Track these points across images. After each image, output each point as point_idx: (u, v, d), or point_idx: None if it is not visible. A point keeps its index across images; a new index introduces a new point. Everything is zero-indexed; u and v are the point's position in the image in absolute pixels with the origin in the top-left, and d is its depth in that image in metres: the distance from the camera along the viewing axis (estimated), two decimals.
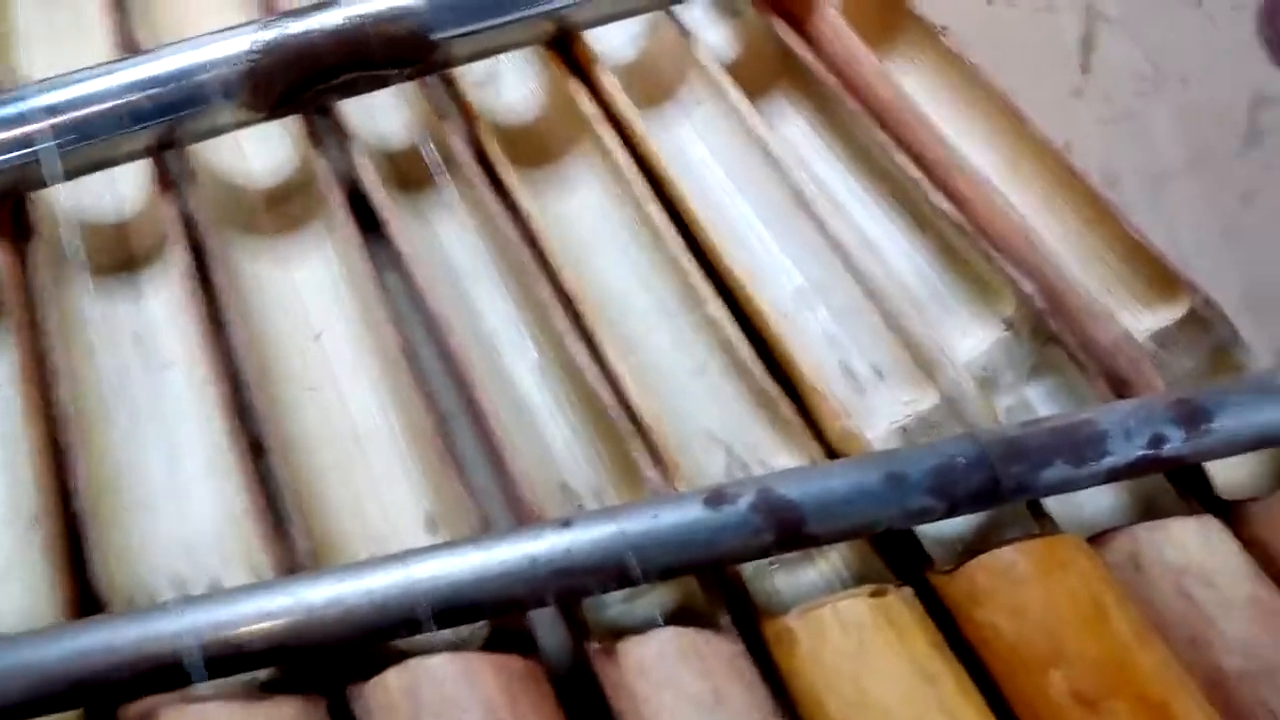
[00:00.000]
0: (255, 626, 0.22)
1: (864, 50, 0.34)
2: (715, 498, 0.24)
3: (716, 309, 0.30)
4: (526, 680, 0.23)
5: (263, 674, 0.24)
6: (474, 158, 0.33)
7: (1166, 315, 0.30)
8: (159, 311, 0.32)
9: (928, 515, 0.24)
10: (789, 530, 0.24)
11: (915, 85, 0.35)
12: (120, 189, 0.34)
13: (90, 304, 0.31)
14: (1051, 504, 0.27)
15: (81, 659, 0.22)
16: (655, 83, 0.36)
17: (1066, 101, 0.38)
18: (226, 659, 0.22)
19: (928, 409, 0.29)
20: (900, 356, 0.30)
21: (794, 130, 0.36)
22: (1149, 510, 0.27)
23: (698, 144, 0.35)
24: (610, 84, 0.34)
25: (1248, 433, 0.25)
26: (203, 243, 0.31)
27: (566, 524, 0.24)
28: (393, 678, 0.22)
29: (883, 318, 0.30)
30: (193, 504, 0.28)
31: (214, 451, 0.28)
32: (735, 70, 0.36)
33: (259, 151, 0.35)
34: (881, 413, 0.29)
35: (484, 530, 0.26)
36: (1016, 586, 0.24)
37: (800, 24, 0.36)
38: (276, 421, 0.28)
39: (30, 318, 0.30)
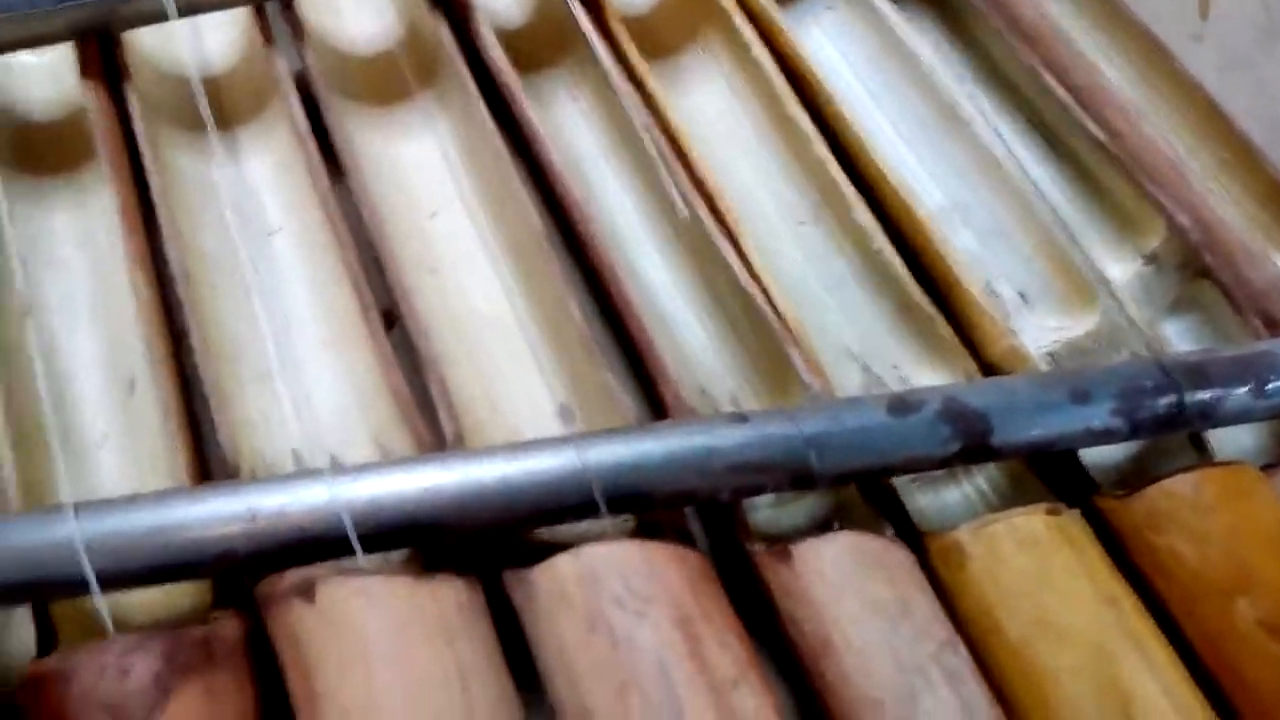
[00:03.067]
0: (414, 501, 0.21)
1: None
2: (898, 404, 0.23)
3: (865, 216, 0.29)
4: (704, 574, 0.22)
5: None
6: (601, 39, 0.31)
7: None
8: (260, 174, 0.29)
9: (1112, 436, 0.23)
10: (975, 441, 0.23)
11: (1056, 10, 0.34)
12: (211, 44, 0.31)
13: (188, 160, 0.28)
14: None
15: (227, 523, 0.20)
16: None
17: (1186, 46, 0.37)
18: (386, 533, 0.21)
19: (1079, 335, 0.28)
20: (1048, 281, 0.29)
21: (923, 44, 0.34)
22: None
23: (829, 48, 0.33)
24: None
25: None
26: (314, 102, 0.29)
27: (743, 418, 0.22)
28: (566, 563, 0.21)
29: (1030, 239, 0.29)
30: (311, 379, 0.26)
31: (334, 323, 0.26)
32: None
33: (365, 12, 0.32)
34: (1029, 338, 0.28)
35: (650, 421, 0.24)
36: (1201, 513, 0.23)
37: None
38: (402, 297, 0.26)
39: (127, 166, 0.27)
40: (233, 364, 0.26)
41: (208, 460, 0.24)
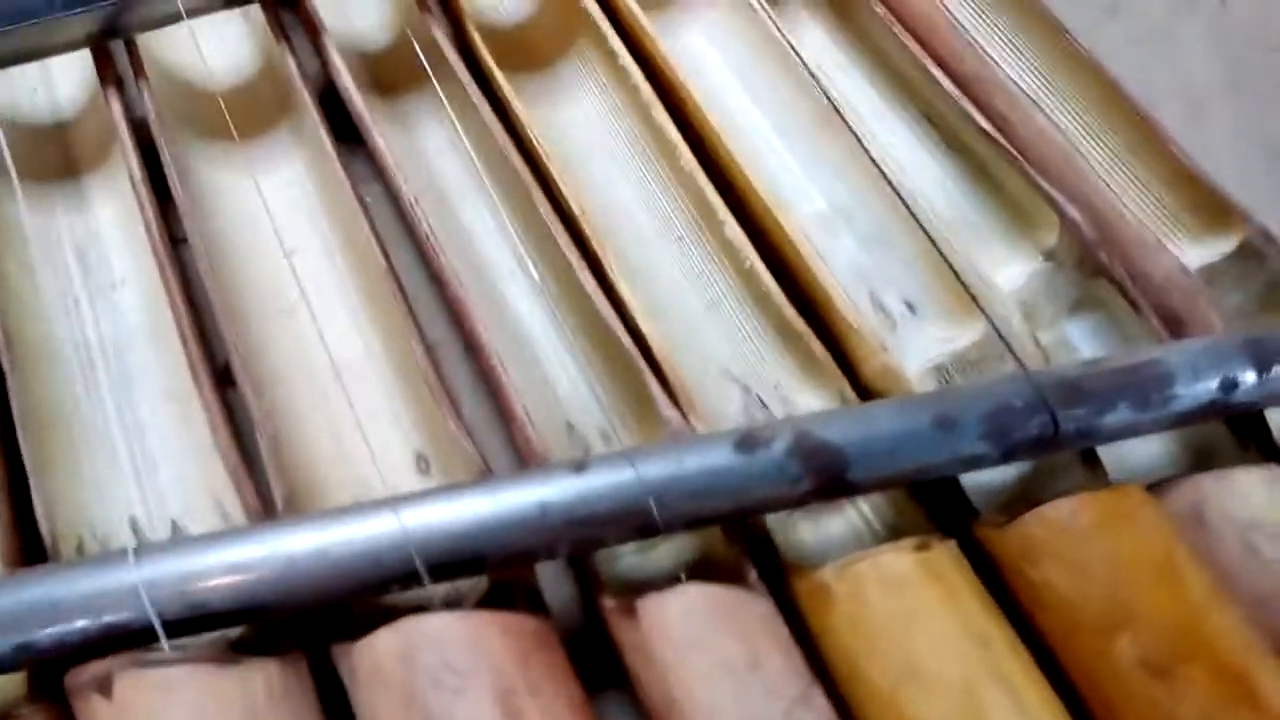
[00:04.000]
0: (226, 579, 0.20)
1: None
2: (747, 441, 0.21)
3: (735, 232, 0.27)
4: (539, 642, 0.20)
5: (234, 631, 0.21)
6: (460, 58, 0.29)
7: (1217, 248, 0.28)
8: (107, 223, 0.28)
9: (981, 462, 0.22)
10: (830, 477, 0.21)
11: None
12: (58, 88, 0.30)
13: (28, 214, 0.27)
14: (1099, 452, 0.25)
15: (25, 614, 0.19)
16: None
17: (1100, 20, 0.35)
18: (193, 618, 0.19)
19: (966, 346, 0.26)
20: (935, 289, 0.27)
21: (811, 39, 0.33)
22: (1203, 460, 0.25)
23: (709, 50, 0.32)
24: None
25: None
26: (156, 147, 0.27)
27: (580, 467, 0.21)
28: (384, 639, 0.20)
29: (915, 246, 0.28)
30: (151, 440, 0.25)
31: (173, 381, 0.25)
32: None
33: (217, 47, 0.31)
34: (915, 350, 0.27)
35: (482, 473, 0.23)
36: (1078, 541, 0.21)
37: None
38: (245, 348, 0.25)
39: None
40: (67, 429, 0.24)
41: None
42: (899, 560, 0.22)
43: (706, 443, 0.21)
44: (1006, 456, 0.22)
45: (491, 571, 0.21)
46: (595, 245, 0.27)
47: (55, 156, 0.29)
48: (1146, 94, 0.33)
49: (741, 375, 0.27)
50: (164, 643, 0.19)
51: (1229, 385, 0.23)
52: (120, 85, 0.28)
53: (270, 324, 0.26)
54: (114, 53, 0.29)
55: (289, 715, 0.19)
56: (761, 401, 0.27)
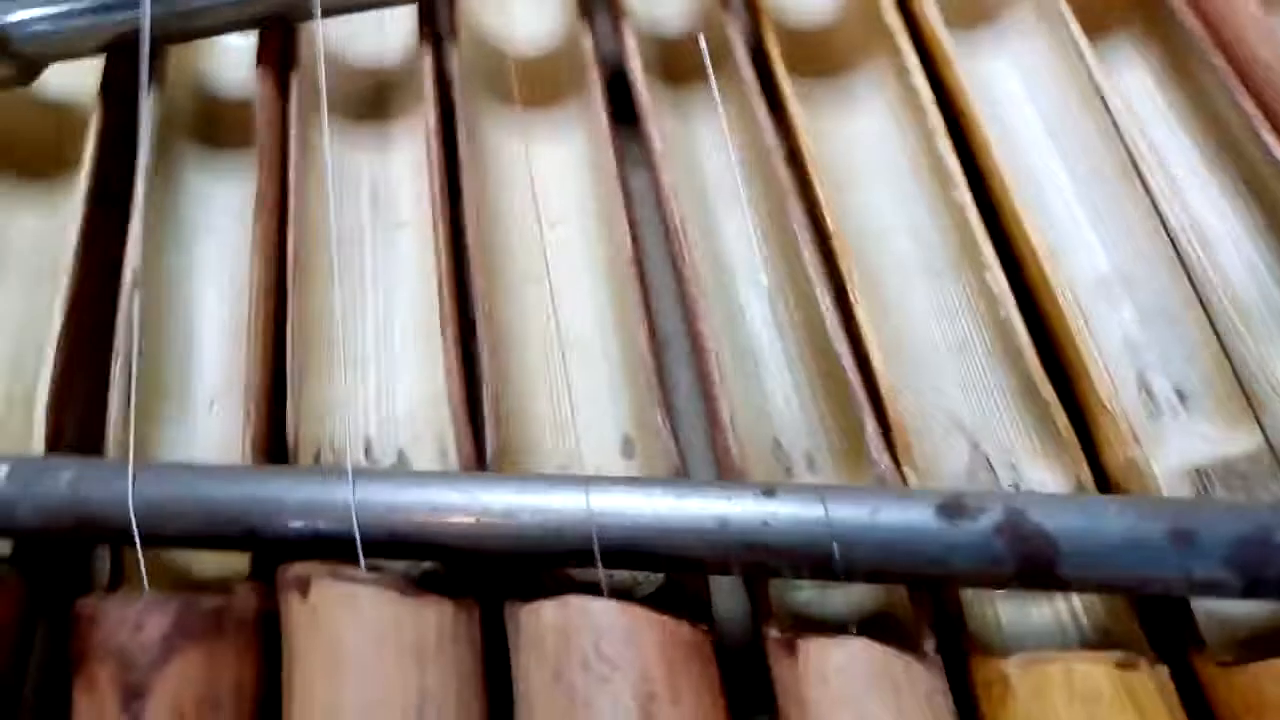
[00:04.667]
0: (424, 517, 0.21)
1: None
2: (953, 507, 0.20)
3: (997, 278, 0.25)
4: (692, 651, 0.20)
5: (424, 565, 0.23)
6: (749, 56, 0.29)
7: None
8: (402, 168, 0.30)
9: (1217, 590, 0.19)
10: (1037, 567, 0.20)
11: None
12: (388, 38, 0.33)
13: (335, 148, 0.30)
14: None
15: (256, 505, 0.21)
16: (977, 2, 0.30)
17: None
18: (389, 543, 0.21)
19: (1239, 454, 0.23)
20: (1215, 382, 0.24)
21: (1134, 82, 0.30)
22: None
23: (1013, 78, 0.30)
24: None
25: None
26: (453, 104, 0.29)
27: (770, 492, 0.21)
28: (549, 611, 0.20)
29: (1202, 329, 0.25)
30: (397, 372, 0.27)
31: (427, 323, 0.27)
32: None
33: (526, 16, 0.32)
34: (1175, 446, 0.24)
35: (678, 471, 0.23)
36: None
37: None
38: (492, 306, 0.26)
39: (280, 151, 0.29)
40: (329, 347, 0.27)
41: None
42: (1095, 671, 0.20)
43: (909, 499, 0.20)
44: (1250, 591, 0.19)
45: (662, 570, 0.21)
46: (843, 266, 0.26)
47: (369, 100, 0.31)
48: None
49: (974, 430, 0.26)
50: (361, 561, 0.21)
51: None
52: (437, 42, 0.30)
53: (518, 288, 0.28)
54: (437, 10, 0.31)
55: (454, 657, 0.21)
56: (989, 463, 0.25)
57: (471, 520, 0.21)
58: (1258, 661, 0.19)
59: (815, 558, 0.20)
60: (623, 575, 0.22)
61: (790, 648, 0.20)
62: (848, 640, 0.20)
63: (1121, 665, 0.20)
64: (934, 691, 0.20)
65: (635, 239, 0.27)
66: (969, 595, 0.23)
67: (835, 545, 0.20)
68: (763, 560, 0.20)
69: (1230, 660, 0.20)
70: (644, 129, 0.28)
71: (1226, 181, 0.28)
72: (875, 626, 0.22)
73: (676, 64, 0.31)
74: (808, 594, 0.23)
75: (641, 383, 0.25)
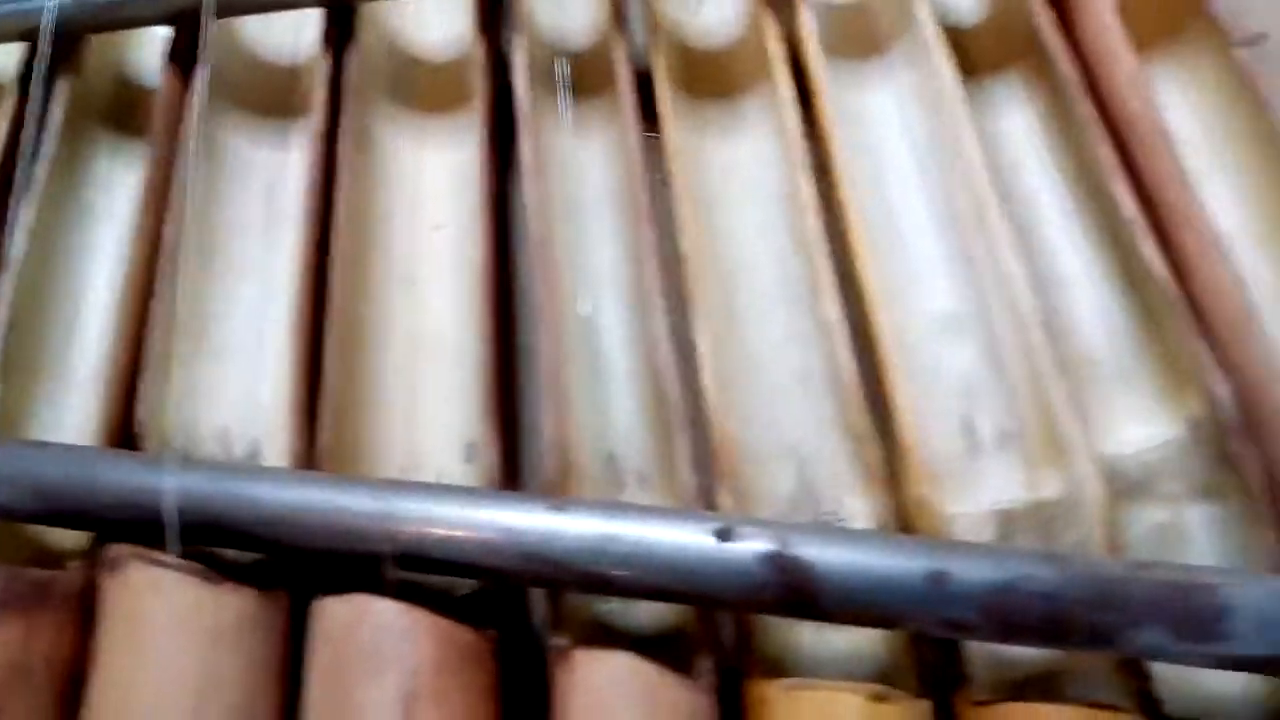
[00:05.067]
0: (240, 509, 0.22)
1: (1124, 45, 0.27)
2: (725, 533, 0.21)
3: (833, 312, 0.26)
4: (468, 655, 0.21)
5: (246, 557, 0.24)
6: (642, 75, 0.30)
7: None
8: (298, 166, 0.31)
9: (969, 632, 0.20)
10: (796, 597, 0.20)
11: (1183, 104, 0.28)
12: (303, 37, 0.34)
13: (236, 145, 0.31)
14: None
15: (79, 485, 0.22)
16: (867, 33, 0.31)
17: None
18: (204, 530, 0.22)
19: (1044, 498, 0.24)
20: (1037, 427, 0.25)
21: (1018, 124, 0.30)
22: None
23: (893, 114, 0.30)
24: (807, 23, 0.29)
25: None
26: (355, 107, 0.30)
27: (560, 508, 0.21)
28: (337, 607, 0.21)
29: (1032, 375, 0.25)
30: (264, 365, 0.28)
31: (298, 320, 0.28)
32: (971, 37, 0.30)
33: (436, 22, 0.33)
34: (989, 487, 0.24)
35: (495, 481, 0.24)
36: None
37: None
38: (358, 307, 0.27)
39: (172, 141, 0.30)
40: (198, 338, 0.28)
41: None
42: (847, 702, 0.20)
43: (688, 520, 0.21)
44: (1003, 637, 0.20)
45: (445, 575, 0.22)
46: (690, 289, 0.26)
47: (276, 97, 0.32)
48: None
49: (804, 458, 0.26)
50: (173, 546, 0.22)
51: None
52: (340, 45, 0.31)
53: (389, 289, 0.29)
54: (343, 14, 0.32)
55: (251, 643, 0.22)
56: (815, 495, 0.26)
57: (277, 514, 0.22)
58: (1008, 703, 0.20)
59: (594, 575, 0.21)
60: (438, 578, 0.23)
61: (566, 658, 0.21)
62: (618, 655, 0.21)
63: (874, 698, 0.20)
64: (696, 713, 0.21)
65: (502, 248, 0.28)
66: (771, 622, 0.24)
67: (613, 564, 0.21)
68: (544, 573, 0.21)
69: (988, 699, 0.20)
70: (518, 142, 0.29)
71: (1091, 227, 0.28)
72: (669, 643, 0.23)
73: (576, 80, 0.32)
74: (612, 604, 0.24)
75: (486, 391, 0.26)
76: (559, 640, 0.22)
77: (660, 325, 0.25)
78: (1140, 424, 0.25)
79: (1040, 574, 0.20)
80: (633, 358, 0.27)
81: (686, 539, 0.21)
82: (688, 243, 0.27)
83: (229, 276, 0.29)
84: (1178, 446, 0.25)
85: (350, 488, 0.22)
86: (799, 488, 0.26)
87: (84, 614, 0.23)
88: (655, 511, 0.21)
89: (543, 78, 0.31)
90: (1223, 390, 0.23)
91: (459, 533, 0.21)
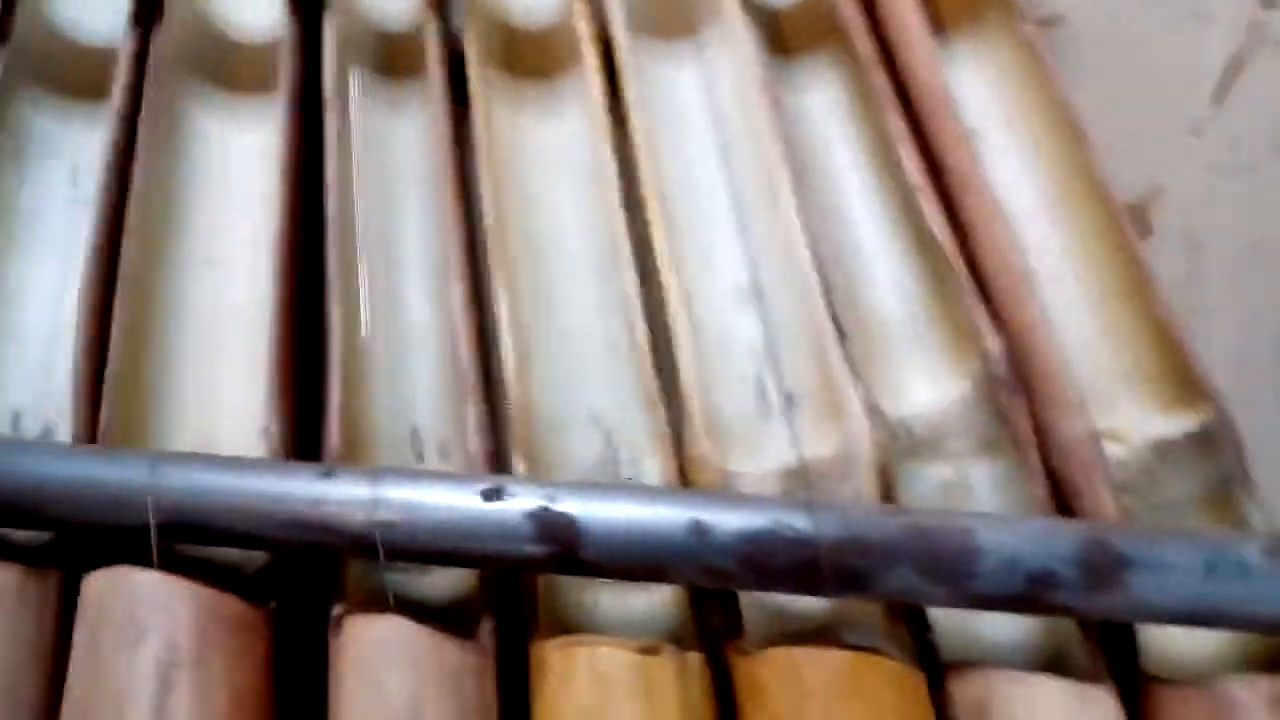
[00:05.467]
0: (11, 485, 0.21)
1: (918, 21, 0.28)
2: (494, 492, 0.21)
3: (630, 283, 0.26)
4: (235, 625, 0.21)
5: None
6: (460, 54, 0.30)
7: (1177, 424, 0.24)
8: (98, 147, 0.31)
9: (730, 581, 0.20)
10: (561, 549, 0.20)
11: (977, 78, 0.29)
12: (119, 18, 0.33)
13: (48, 126, 0.30)
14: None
15: None
16: (679, 13, 0.31)
17: (1180, 138, 0.31)
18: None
19: (820, 456, 0.24)
20: (821, 387, 0.25)
21: (823, 101, 0.31)
22: (1051, 658, 0.22)
23: (700, 93, 0.31)
24: (615, 3, 0.30)
25: (1170, 605, 0.20)
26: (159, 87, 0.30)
27: (328, 474, 0.21)
28: (95, 580, 0.21)
29: (814, 340, 0.25)
30: (57, 348, 0.27)
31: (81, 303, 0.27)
32: (781, 17, 0.31)
33: (248, 4, 0.33)
34: (775, 448, 0.25)
35: (307, 455, 0.24)
36: (799, 697, 0.19)
37: None
38: (153, 287, 0.27)
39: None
40: None
41: None
42: (615, 656, 0.20)
43: (458, 481, 0.21)
44: (763, 584, 0.20)
45: (213, 544, 0.21)
46: (492, 262, 0.26)
47: (89, 79, 0.31)
48: (1203, 231, 0.29)
49: (609, 424, 0.26)
50: None
51: (1045, 580, 0.20)
52: (147, 25, 0.31)
53: (195, 269, 0.28)
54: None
55: (14, 620, 0.21)
56: (618, 458, 0.26)
57: (49, 490, 0.21)
58: (771, 649, 0.20)
59: (360, 540, 0.21)
60: (233, 553, 0.23)
61: (338, 625, 0.21)
62: (386, 619, 0.21)
63: (643, 650, 0.20)
64: (464, 670, 0.21)
65: (317, 228, 0.27)
66: (568, 582, 0.24)
67: (378, 528, 0.20)
68: (313, 539, 0.21)
69: (750, 649, 0.21)
70: (327, 121, 0.29)
71: (887, 197, 0.29)
72: (457, 610, 0.23)
73: (394, 60, 0.32)
74: (400, 574, 0.24)
75: (280, 372, 0.26)
76: (336, 609, 0.22)
77: (457, 296, 0.25)
78: (930, 384, 0.26)
79: (794, 521, 0.20)
80: (437, 331, 0.27)
81: (454, 500, 0.21)
82: (492, 216, 0.27)
83: (30, 257, 0.28)
84: (962, 405, 0.25)
85: (116, 460, 0.21)
86: (604, 453, 0.26)
87: None
88: (425, 475, 0.21)
89: (359, 58, 0.31)
90: (995, 346, 0.24)
91: (225, 501, 0.21)
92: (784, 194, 0.27)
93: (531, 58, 0.31)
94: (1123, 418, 0.24)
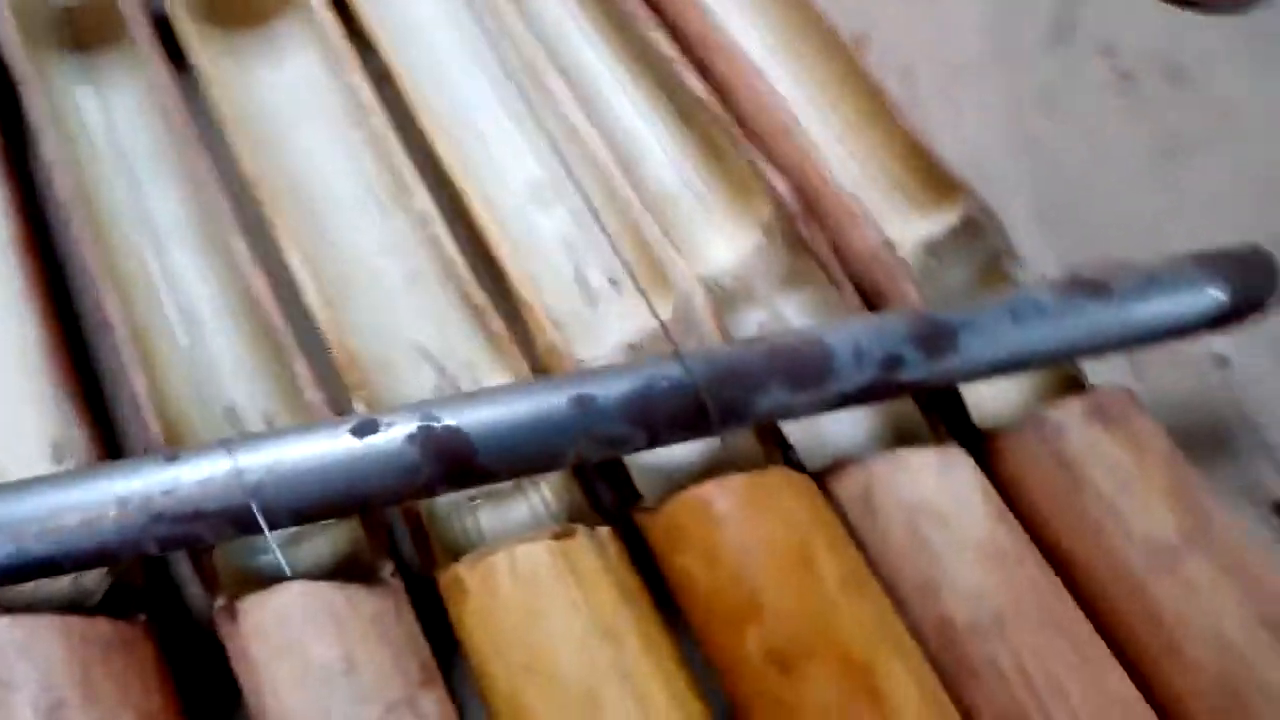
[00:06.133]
0: None
1: None
2: (364, 427, 0.20)
3: (425, 202, 0.25)
4: (114, 645, 0.19)
5: None
6: (149, 22, 0.27)
7: (940, 221, 0.27)
8: None
9: (625, 444, 0.21)
10: (455, 464, 0.20)
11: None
12: None
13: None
14: (796, 431, 0.24)
15: None
16: None
17: None
18: None
19: (663, 322, 0.25)
20: (640, 263, 0.26)
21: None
22: (900, 439, 0.24)
23: (435, 11, 0.30)
24: None
25: (999, 354, 0.22)
26: None
27: (173, 458, 0.19)
28: None
29: (624, 222, 0.26)
30: None
31: None
32: None
33: None
34: (612, 328, 0.25)
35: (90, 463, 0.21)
36: (714, 528, 0.20)
37: None
38: None
39: None
40: None
41: None
42: (533, 551, 0.20)
43: (321, 429, 0.20)
44: (654, 439, 0.21)
45: (65, 573, 0.19)
46: (268, 215, 0.25)
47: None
48: (910, 60, 0.32)
49: (438, 354, 0.26)
50: None
51: (893, 364, 0.22)
52: None
53: None
54: None
55: None
56: (456, 383, 0.25)
57: None
58: (673, 495, 0.21)
59: (232, 515, 0.19)
60: (64, 585, 0.20)
61: (231, 612, 0.19)
62: (283, 587, 0.19)
63: (557, 536, 0.20)
64: (383, 613, 0.20)
65: (30, 218, 0.24)
66: (443, 513, 0.23)
67: (250, 495, 0.19)
68: (177, 532, 0.19)
69: (654, 505, 0.21)
70: (27, 105, 0.25)
71: (644, 85, 0.29)
72: (346, 569, 0.22)
73: (92, 31, 0.29)
74: (266, 557, 0.22)
75: (62, 381, 0.23)
76: (219, 601, 0.20)
77: (245, 258, 0.24)
78: (725, 242, 0.27)
79: (669, 372, 0.21)
80: (226, 300, 0.25)
81: (325, 447, 0.19)
82: (251, 169, 0.25)
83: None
84: (758, 251, 0.27)
85: None
86: (440, 381, 0.25)
87: None
88: (287, 430, 0.20)
89: (46, 34, 0.27)
90: (782, 185, 0.26)
91: (64, 517, 0.18)
92: (554, 86, 0.27)
93: (241, 7, 0.29)
94: (894, 229, 0.27)
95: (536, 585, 0.20)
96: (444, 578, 0.21)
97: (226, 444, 0.19)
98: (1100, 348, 0.23)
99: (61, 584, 0.20)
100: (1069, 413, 0.23)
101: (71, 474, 0.19)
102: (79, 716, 0.17)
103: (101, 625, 0.19)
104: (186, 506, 0.19)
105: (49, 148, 0.24)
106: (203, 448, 0.19)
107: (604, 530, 0.21)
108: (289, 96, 0.29)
